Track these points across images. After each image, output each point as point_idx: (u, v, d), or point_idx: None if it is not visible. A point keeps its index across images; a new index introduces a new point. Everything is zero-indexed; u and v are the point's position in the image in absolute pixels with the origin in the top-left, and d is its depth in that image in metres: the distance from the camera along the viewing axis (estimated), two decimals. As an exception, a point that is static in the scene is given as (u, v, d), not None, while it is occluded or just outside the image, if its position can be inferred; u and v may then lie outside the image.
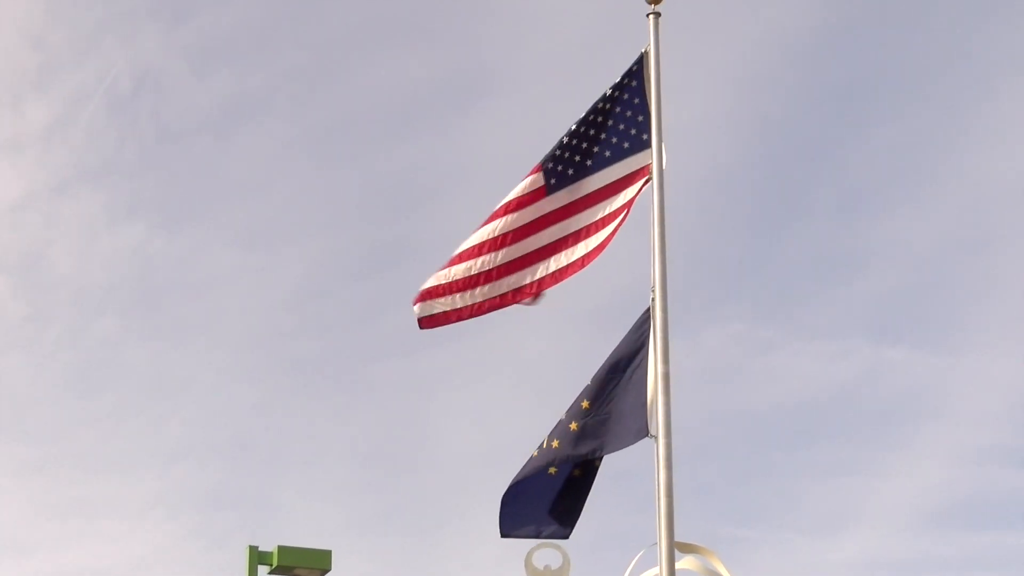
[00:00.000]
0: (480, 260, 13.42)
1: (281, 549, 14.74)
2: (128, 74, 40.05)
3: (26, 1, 40.16)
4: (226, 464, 37.65)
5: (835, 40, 38.60)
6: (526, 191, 13.52)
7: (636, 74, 13.76)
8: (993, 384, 36.28)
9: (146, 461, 38.05)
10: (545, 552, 13.42)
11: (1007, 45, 37.11)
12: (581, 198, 13.60)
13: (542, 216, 13.56)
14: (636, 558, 13.14)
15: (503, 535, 13.39)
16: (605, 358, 13.34)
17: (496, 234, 13.47)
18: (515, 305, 13.47)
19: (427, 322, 13.51)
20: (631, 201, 13.51)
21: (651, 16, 13.88)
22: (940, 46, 38.28)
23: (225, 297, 40.19)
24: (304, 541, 14.85)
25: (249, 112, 40.95)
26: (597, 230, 13.52)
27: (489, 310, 13.50)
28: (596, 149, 13.63)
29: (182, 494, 37.37)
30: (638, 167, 13.56)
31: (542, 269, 13.45)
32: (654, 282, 13.13)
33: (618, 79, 13.75)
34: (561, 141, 13.61)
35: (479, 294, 13.44)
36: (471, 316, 13.48)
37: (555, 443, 13.16)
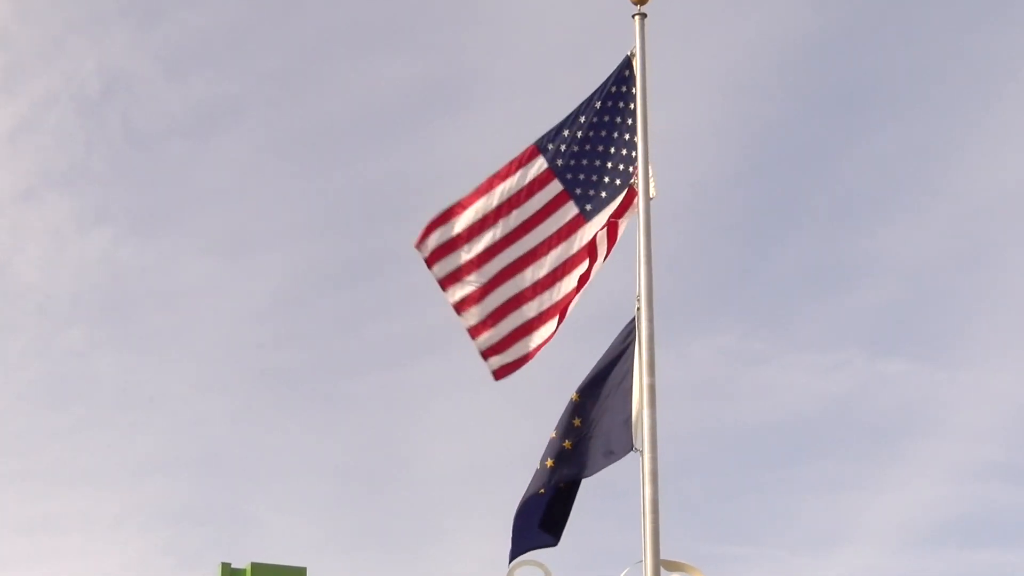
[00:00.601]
0: (538, 299, 13.53)
1: (255, 566, 14.76)
2: (98, 76, 40.12)
3: (-8, -1, 40.14)
4: (199, 478, 37.68)
5: (829, 45, 38.81)
6: (563, 221, 13.61)
7: (629, 79, 13.78)
8: (991, 398, 36.47)
9: (116, 475, 38.07)
10: (527, 570, 13.42)
11: (1006, 51, 37.33)
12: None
13: (584, 247, 13.66)
14: (621, 576, 13.15)
15: (514, 557, 13.44)
16: (589, 370, 13.38)
17: (544, 273, 13.54)
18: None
19: (502, 372, 13.63)
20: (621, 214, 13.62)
21: (637, 17, 13.90)
22: (938, 52, 38.52)
23: (198, 307, 40.24)
24: (279, 558, 14.91)
25: (223, 116, 41.03)
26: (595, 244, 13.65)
27: (555, 323, 13.62)
28: (621, 167, 13.69)
29: (153, 509, 37.38)
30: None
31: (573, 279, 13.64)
32: (639, 292, 13.15)
33: (614, 88, 13.77)
34: (580, 163, 13.65)
35: (544, 333, 13.56)
36: (543, 344, 13.63)
37: (549, 462, 13.22)
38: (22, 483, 38.40)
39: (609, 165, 13.69)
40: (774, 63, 38.37)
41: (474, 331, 13.58)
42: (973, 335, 37.55)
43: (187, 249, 40.61)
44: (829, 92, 38.87)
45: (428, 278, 13.62)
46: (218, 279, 40.31)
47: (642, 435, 12.72)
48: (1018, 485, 36.37)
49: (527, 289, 13.61)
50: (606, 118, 13.74)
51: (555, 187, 13.64)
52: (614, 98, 13.75)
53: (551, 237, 13.64)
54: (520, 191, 13.65)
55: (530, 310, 13.58)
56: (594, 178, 13.69)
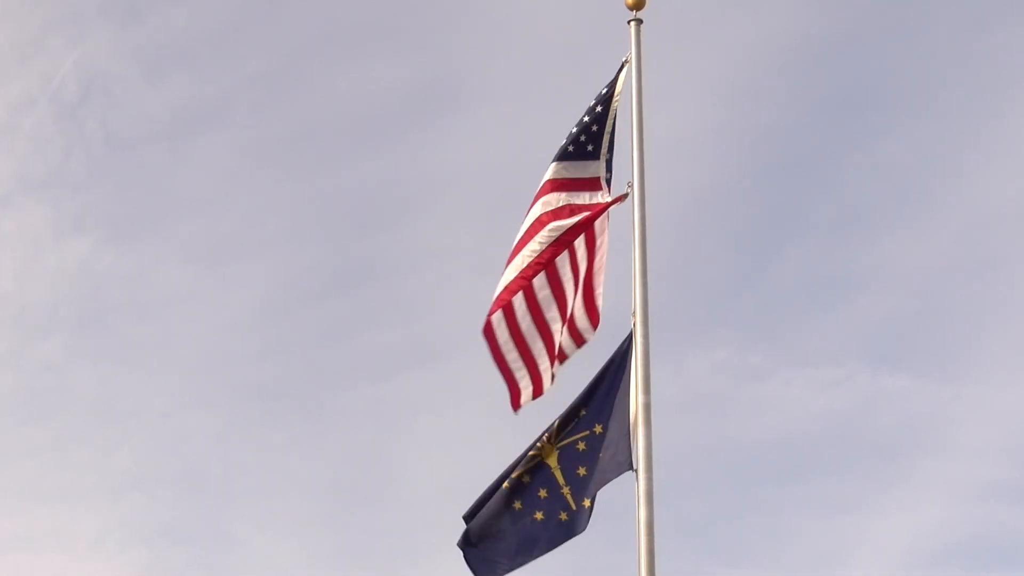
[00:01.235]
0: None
1: (236, 588, 14.75)
2: (75, 78, 40.00)
3: (-36, -2, 40.11)
4: (179, 496, 37.53)
5: (831, 49, 38.76)
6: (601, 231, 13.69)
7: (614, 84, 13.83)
8: (1000, 415, 36.37)
9: (94, 492, 37.93)
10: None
11: (1018, 55, 37.29)
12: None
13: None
14: (614, 600, 13.16)
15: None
16: (584, 387, 13.38)
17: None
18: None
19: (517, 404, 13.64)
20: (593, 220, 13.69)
21: (632, 23, 13.93)
22: (946, 55, 38.45)
23: (179, 318, 40.10)
24: (261, 580, 14.86)
25: (206, 120, 40.93)
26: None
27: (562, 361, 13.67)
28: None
29: (132, 528, 37.25)
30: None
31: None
32: (635, 306, 13.15)
33: (606, 91, 13.83)
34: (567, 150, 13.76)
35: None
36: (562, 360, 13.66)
37: (586, 502, 13.18)
38: (-5, 500, 38.31)
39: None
40: (774, 67, 38.33)
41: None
42: (981, 350, 37.47)
43: (168, 258, 40.53)
44: (832, 97, 38.81)
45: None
46: (200, 289, 40.20)
47: (637, 454, 12.71)
48: (1027, 505, 36.36)
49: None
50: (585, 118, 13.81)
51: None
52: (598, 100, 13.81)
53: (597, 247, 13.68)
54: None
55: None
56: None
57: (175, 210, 40.51)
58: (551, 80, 32.99)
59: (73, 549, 36.82)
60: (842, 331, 37.98)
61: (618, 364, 13.22)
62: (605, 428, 13.03)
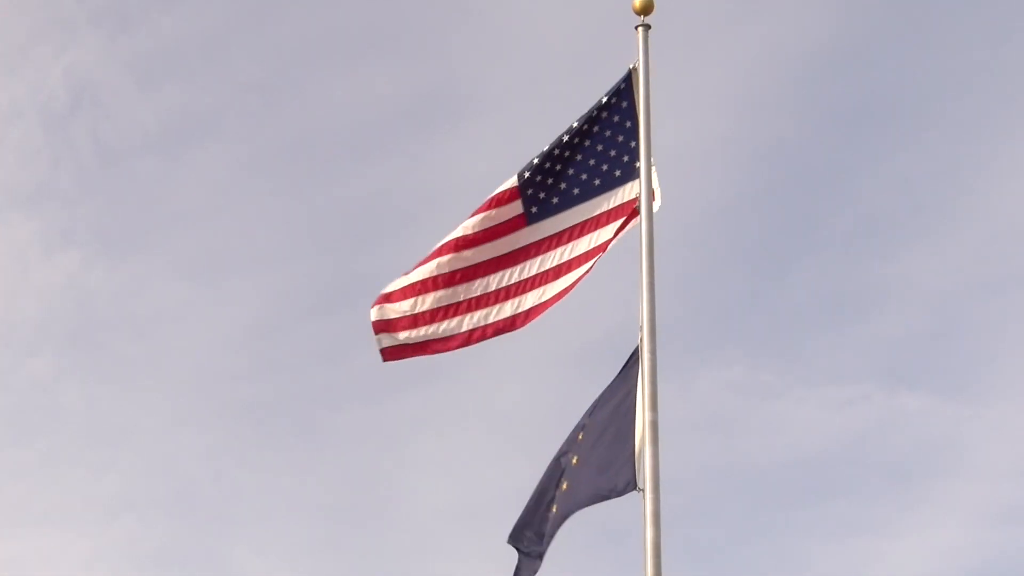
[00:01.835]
0: (452, 290, 13.55)
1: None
2: (65, 88, 40.05)
3: (-50, 5, 40.18)
4: (172, 519, 37.51)
5: (846, 58, 38.79)
6: (503, 219, 13.61)
7: (625, 93, 13.80)
8: (1019, 437, 36.32)
9: (83, 515, 37.90)
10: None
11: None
12: (567, 229, 13.69)
13: (522, 247, 13.67)
14: (621, 624, 13.16)
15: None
16: (588, 405, 13.38)
17: (470, 263, 13.56)
18: (486, 341, 13.57)
19: (391, 354, 13.64)
20: (618, 233, 13.60)
21: (640, 28, 13.92)
22: (964, 64, 38.47)
23: (170, 335, 40.10)
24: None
25: (198, 131, 40.96)
26: (580, 264, 13.58)
27: (460, 346, 13.61)
28: (584, 176, 13.72)
29: (123, 552, 37.22)
30: (631, 197, 13.63)
31: (521, 304, 13.54)
32: (642, 321, 13.14)
33: (605, 99, 13.80)
34: (543, 166, 13.67)
35: (451, 327, 13.55)
36: (441, 351, 13.61)
37: (564, 486, 13.25)
38: (-19, 523, 38.30)
39: (571, 172, 13.71)
40: (788, 75, 38.35)
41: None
42: (1001, 368, 37.40)
43: (159, 273, 40.53)
44: (846, 107, 38.80)
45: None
46: (192, 305, 40.19)
47: (644, 474, 12.70)
48: (1047, 529, 36.30)
49: (445, 275, 13.56)
50: (584, 127, 13.77)
51: (514, 198, 13.69)
52: (600, 108, 13.77)
53: (486, 231, 13.63)
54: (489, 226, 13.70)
55: (444, 297, 13.53)
56: (549, 181, 13.71)
57: (167, 224, 40.56)
58: (554, 88, 33.03)
59: (63, 573, 36.80)
60: (856, 349, 37.97)
61: (623, 379, 13.26)
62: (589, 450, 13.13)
